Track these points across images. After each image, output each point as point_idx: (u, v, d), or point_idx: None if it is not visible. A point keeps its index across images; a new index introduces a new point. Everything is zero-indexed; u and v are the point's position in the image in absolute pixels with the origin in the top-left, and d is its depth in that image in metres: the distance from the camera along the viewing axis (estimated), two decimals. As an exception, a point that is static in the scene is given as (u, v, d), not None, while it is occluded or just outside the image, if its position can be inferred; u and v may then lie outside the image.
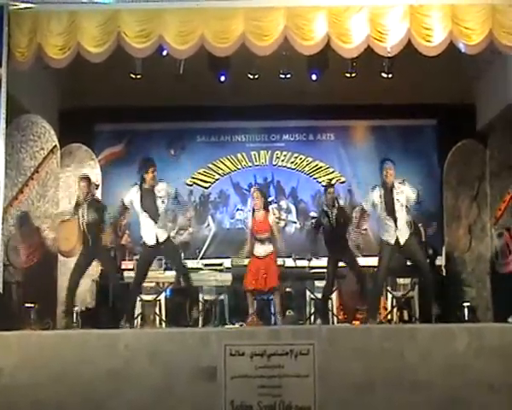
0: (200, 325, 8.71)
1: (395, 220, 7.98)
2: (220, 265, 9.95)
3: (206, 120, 11.79)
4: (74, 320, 8.53)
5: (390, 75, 9.63)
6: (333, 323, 9.10)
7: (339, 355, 6.55)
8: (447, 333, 6.71)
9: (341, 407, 6.44)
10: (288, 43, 8.25)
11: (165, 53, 8.63)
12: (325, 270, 8.95)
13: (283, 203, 12.10)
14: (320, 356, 6.47)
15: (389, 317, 9.24)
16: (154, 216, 7.95)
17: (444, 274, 10.01)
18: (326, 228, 8.89)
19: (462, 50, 8.22)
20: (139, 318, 8.97)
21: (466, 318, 8.60)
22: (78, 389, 6.50)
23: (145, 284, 8.69)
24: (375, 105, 11.22)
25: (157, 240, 7.99)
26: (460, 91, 10.76)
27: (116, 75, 9.73)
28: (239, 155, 12.26)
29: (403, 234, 8.02)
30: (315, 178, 12.18)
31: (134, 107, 11.17)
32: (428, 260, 8.95)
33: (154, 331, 7.93)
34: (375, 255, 8.50)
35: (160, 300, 9.26)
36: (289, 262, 9.74)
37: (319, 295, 9.15)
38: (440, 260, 10.04)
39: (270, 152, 12.27)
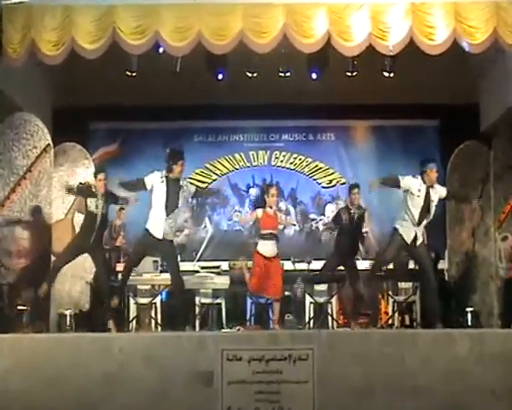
0: (196, 329, 8.60)
1: (421, 219, 7.79)
2: (217, 267, 9.83)
3: (203, 119, 11.70)
4: (68, 323, 8.48)
5: (392, 74, 9.51)
6: (332, 327, 9.00)
7: (338, 360, 6.50)
8: (448, 338, 6.69)
9: (341, 414, 6.37)
10: (288, 41, 8.12)
11: (161, 50, 8.52)
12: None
13: (282, 205, 11.89)
14: (319, 361, 6.42)
15: (390, 321, 9.17)
16: (171, 208, 7.73)
17: (446, 278, 9.90)
18: (343, 225, 8.80)
19: (466, 49, 8.08)
20: (134, 321, 8.87)
21: (469, 323, 8.56)
22: (71, 394, 6.46)
23: (140, 287, 8.55)
24: (376, 105, 11.14)
25: (163, 235, 7.75)
26: (463, 91, 10.62)
27: (111, 72, 9.57)
28: (237, 156, 12.16)
29: (419, 235, 7.85)
30: (315, 179, 12.07)
31: (129, 105, 11.06)
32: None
33: (150, 335, 7.87)
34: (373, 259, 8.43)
35: (155, 303, 9.15)
36: (288, 265, 9.54)
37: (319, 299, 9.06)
38: (443, 264, 9.91)
39: (268, 152, 12.17)
